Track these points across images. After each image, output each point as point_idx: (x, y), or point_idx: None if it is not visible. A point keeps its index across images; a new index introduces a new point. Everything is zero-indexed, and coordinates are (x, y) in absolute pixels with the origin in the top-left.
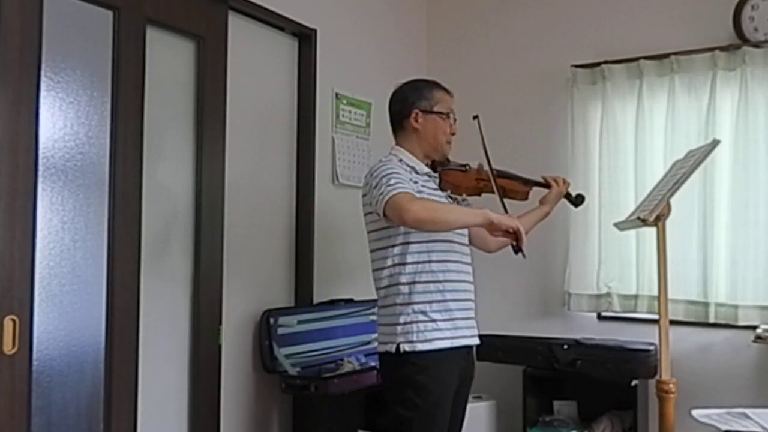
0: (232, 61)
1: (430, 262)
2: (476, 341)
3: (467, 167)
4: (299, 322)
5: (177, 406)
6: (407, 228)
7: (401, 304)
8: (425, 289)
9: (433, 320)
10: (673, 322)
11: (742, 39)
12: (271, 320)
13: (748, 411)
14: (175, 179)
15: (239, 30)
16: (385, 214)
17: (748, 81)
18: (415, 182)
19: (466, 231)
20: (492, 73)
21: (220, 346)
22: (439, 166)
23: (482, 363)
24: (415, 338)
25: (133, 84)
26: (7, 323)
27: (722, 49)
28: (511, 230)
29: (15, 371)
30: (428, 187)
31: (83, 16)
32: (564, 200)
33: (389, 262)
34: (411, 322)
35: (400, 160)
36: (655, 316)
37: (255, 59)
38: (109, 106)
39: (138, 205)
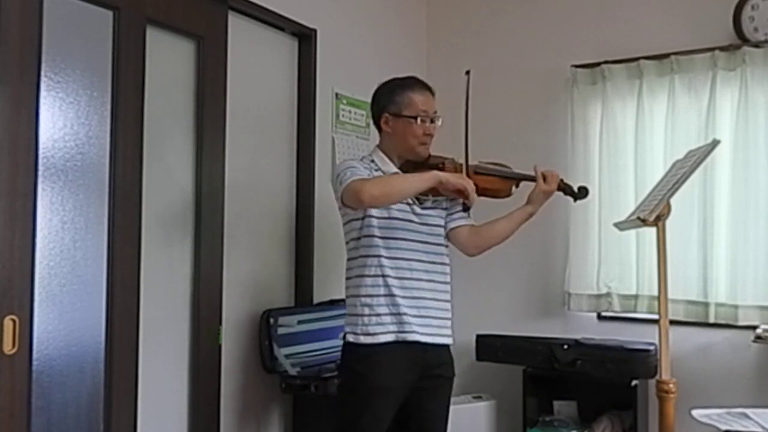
0: (232, 61)
1: (379, 256)
2: (437, 340)
3: (442, 164)
4: (299, 322)
5: (177, 406)
6: (367, 218)
7: (353, 296)
8: (373, 283)
9: (378, 314)
10: (673, 322)
11: (742, 39)
12: (271, 320)
13: (748, 411)
14: (175, 179)
15: (239, 30)
16: (345, 204)
17: (748, 81)
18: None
19: (440, 231)
20: (492, 73)
21: (220, 346)
22: (412, 165)
23: (482, 363)
24: (359, 330)
25: (133, 84)
26: (7, 323)
27: (722, 49)
28: (460, 189)
29: (15, 371)
30: None
31: (83, 16)
32: (562, 195)
33: (351, 254)
34: (357, 315)
35: (372, 161)
36: (655, 316)
37: (255, 59)
38: (109, 106)
39: (138, 205)
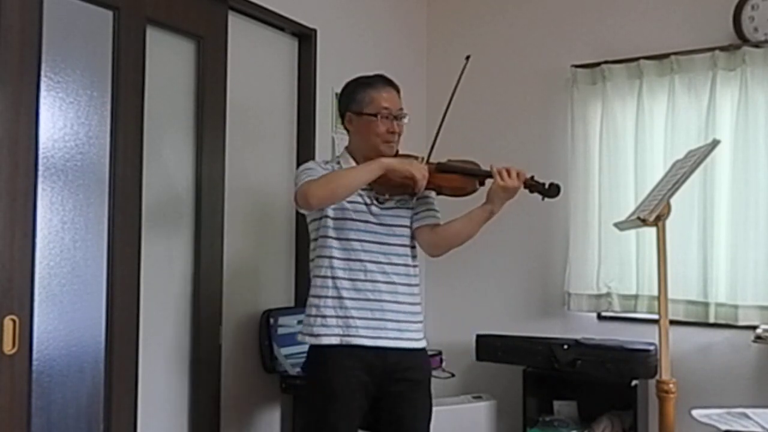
0: (232, 61)
1: (331, 257)
2: (397, 344)
3: None
4: (299, 322)
5: (177, 406)
6: (323, 218)
7: (309, 297)
8: (322, 284)
9: (323, 316)
10: (673, 322)
11: (742, 39)
12: (271, 320)
13: (748, 411)
14: (175, 179)
15: (239, 30)
16: (301, 207)
17: (748, 81)
18: None
19: (403, 231)
20: (492, 73)
21: (220, 346)
22: None
23: (482, 363)
24: (306, 331)
25: (133, 84)
26: (7, 323)
27: (722, 49)
28: (408, 176)
29: (15, 371)
30: None
31: (83, 16)
32: (531, 193)
33: (311, 255)
34: (307, 315)
35: (338, 163)
36: (655, 316)
37: (255, 59)
38: (109, 106)
39: (138, 205)
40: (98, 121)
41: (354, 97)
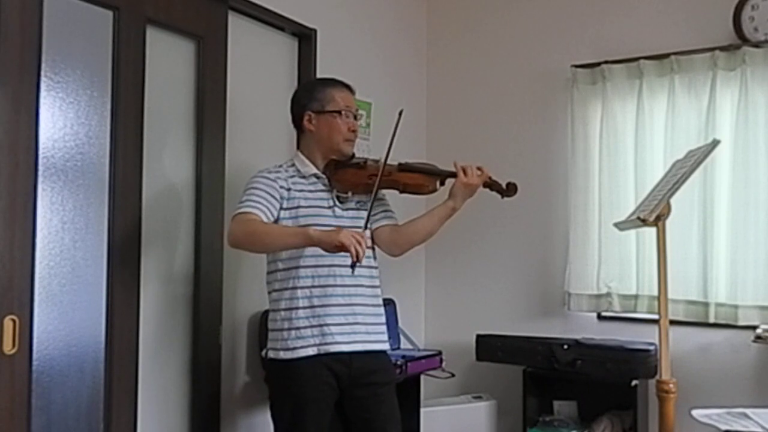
0: (232, 61)
1: (298, 268)
2: (366, 347)
3: (364, 163)
4: None
5: (177, 406)
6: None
7: (273, 311)
8: (291, 296)
9: (297, 328)
10: (673, 322)
11: (742, 39)
12: None
13: (748, 411)
14: (175, 179)
15: (239, 30)
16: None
17: (748, 81)
18: (288, 189)
19: (366, 233)
20: (492, 73)
21: (220, 346)
22: (334, 164)
23: (482, 363)
24: (279, 346)
25: (133, 84)
26: (7, 323)
27: (722, 49)
28: (338, 245)
29: (15, 371)
30: (307, 190)
31: (83, 16)
32: (494, 192)
33: (269, 267)
34: (277, 330)
35: (292, 165)
36: (655, 316)
37: (255, 59)
38: (109, 106)
39: (138, 205)
40: (98, 121)
41: (315, 95)
